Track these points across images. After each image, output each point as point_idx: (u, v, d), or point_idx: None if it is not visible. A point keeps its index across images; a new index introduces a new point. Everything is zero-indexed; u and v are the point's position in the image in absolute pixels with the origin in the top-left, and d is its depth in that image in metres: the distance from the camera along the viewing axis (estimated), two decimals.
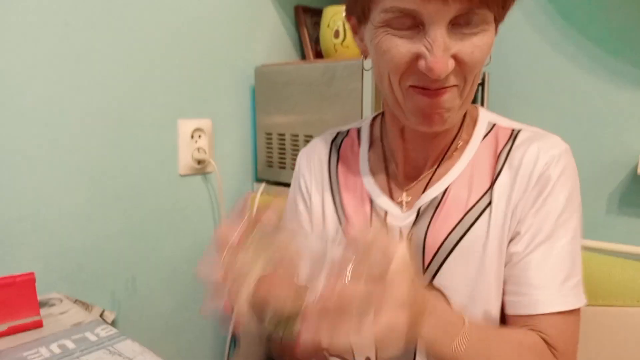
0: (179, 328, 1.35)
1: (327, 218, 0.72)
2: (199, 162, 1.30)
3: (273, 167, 1.36)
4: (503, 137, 0.66)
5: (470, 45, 0.54)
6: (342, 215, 0.71)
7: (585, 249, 0.65)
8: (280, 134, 1.32)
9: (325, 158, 0.77)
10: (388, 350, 0.43)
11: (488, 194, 0.63)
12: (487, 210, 0.62)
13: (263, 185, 1.38)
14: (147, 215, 1.23)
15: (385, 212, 0.67)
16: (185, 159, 1.28)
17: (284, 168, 1.33)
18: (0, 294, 0.82)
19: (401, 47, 0.55)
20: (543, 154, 0.62)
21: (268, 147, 1.37)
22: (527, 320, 0.59)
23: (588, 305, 0.61)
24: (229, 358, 1.50)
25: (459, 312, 0.55)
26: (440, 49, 0.53)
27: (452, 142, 0.67)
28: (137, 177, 1.20)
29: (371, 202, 0.69)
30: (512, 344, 0.57)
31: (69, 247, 1.10)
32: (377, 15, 0.56)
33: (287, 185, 1.33)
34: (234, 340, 1.51)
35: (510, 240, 0.62)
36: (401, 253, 0.44)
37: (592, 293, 0.66)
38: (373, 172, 0.71)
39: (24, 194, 1.02)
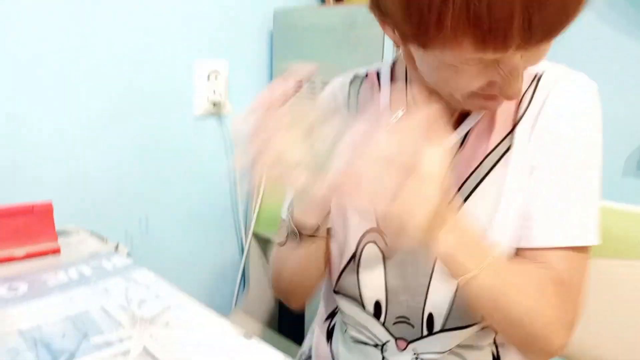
0: (191, 269, 1.38)
1: None
2: (214, 104, 1.29)
3: None
4: (527, 79, 0.64)
5: (537, 54, 0.52)
6: None
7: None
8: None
9: (344, 102, 0.76)
10: (400, 235, 0.43)
11: (508, 138, 0.62)
12: (507, 155, 0.62)
13: None
14: (161, 154, 1.23)
15: None
16: (200, 101, 1.27)
17: None
18: (19, 221, 0.84)
19: (473, 76, 0.52)
20: (568, 93, 0.61)
21: None
22: (532, 254, 0.59)
23: (603, 257, 0.61)
24: (238, 299, 1.54)
25: (486, 239, 0.55)
26: (517, 79, 0.51)
27: None
28: (152, 116, 1.20)
29: None
30: (532, 278, 0.56)
31: (85, 182, 1.11)
32: (444, 54, 0.50)
33: None
34: (244, 282, 1.55)
35: (528, 179, 0.61)
36: (438, 152, 0.44)
37: (608, 247, 0.66)
38: None
39: (42, 126, 1.02)
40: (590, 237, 0.59)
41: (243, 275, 1.50)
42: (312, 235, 0.67)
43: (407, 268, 0.66)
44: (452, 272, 0.53)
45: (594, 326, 0.77)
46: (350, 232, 0.70)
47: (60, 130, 1.05)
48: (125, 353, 0.57)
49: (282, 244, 0.71)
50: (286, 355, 0.58)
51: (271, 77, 1.40)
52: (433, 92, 0.61)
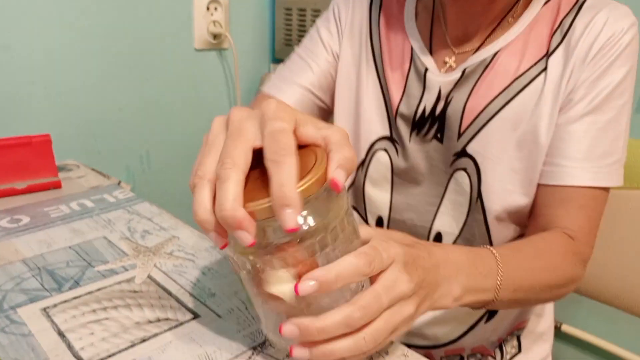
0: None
1: (363, 73, 0.68)
2: (215, 36, 1.24)
3: (292, 47, 1.30)
4: (567, 4, 0.60)
5: None
6: (380, 69, 0.67)
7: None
8: (300, 9, 1.25)
9: (367, 5, 0.71)
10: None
11: (542, 62, 0.59)
12: (539, 79, 0.59)
13: (280, 65, 1.32)
14: (160, 88, 1.20)
15: (426, 69, 0.64)
16: (200, 32, 1.22)
17: None
18: (17, 153, 0.82)
19: None
20: (609, 24, 0.57)
21: (287, 24, 1.30)
22: (554, 191, 0.58)
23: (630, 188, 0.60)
24: None
25: (482, 256, 0.50)
26: None
27: (509, 10, 0.61)
28: (151, 47, 1.15)
29: (412, 59, 0.65)
30: (544, 258, 0.56)
31: (83, 117, 1.08)
32: None
33: None
34: None
35: (559, 111, 0.59)
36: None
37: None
38: (419, 28, 0.67)
39: (35, 58, 0.99)
40: (616, 179, 0.58)
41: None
42: None
43: (416, 187, 0.65)
44: (472, 308, 0.50)
45: (617, 257, 0.77)
46: (362, 138, 0.68)
47: (54, 62, 1.01)
48: (130, 280, 0.57)
49: None
50: None
51: (273, 6, 1.34)
52: None
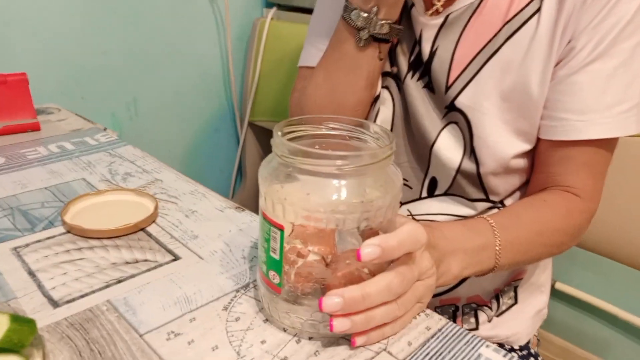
0: (183, 156, 1.33)
1: None
2: None
3: None
4: None
5: None
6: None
7: None
8: None
9: None
10: None
11: (536, 2, 0.53)
12: (533, 20, 0.53)
13: (274, 10, 1.26)
14: (147, 33, 1.13)
15: (412, 4, 0.59)
16: None
17: None
18: None
19: None
20: None
21: None
22: (556, 147, 0.54)
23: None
24: (235, 192, 1.52)
25: (477, 226, 0.51)
26: None
27: None
28: None
29: None
30: (544, 221, 0.55)
31: (64, 60, 1.02)
32: None
33: (304, 10, 1.22)
34: (241, 171, 1.52)
35: (559, 62, 0.53)
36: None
37: None
38: None
39: None
40: (634, 127, 0.53)
41: (240, 167, 1.46)
42: (383, 40, 0.58)
43: (412, 129, 0.61)
44: (477, 275, 0.52)
45: (617, 208, 0.75)
46: None
47: (33, 2, 0.95)
48: None
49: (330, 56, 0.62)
50: None
51: None
52: None
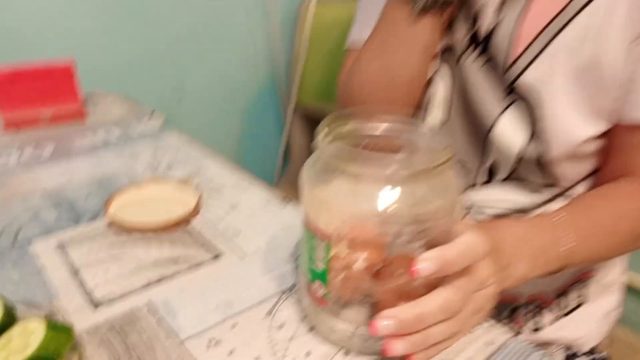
0: (228, 141, 1.32)
1: None
2: None
3: None
4: None
5: None
6: None
7: None
8: None
9: None
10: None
11: None
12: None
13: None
14: (193, 17, 1.12)
15: None
16: None
17: None
18: (39, 81, 0.78)
19: None
20: None
21: None
22: (634, 132, 0.48)
23: None
24: (283, 173, 1.51)
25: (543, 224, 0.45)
26: None
27: None
28: None
29: None
30: (621, 214, 0.49)
31: (112, 45, 1.02)
32: None
33: None
34: (287, 155, 1.50)
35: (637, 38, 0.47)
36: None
37: None
38: None
39: None
40: None
41: (286, 151, 1.44)
42: (441, 4, 0.53)
43: (470, 109, 0.56)
44: (546, 276, 0.46)
45: None
46: None
47: None
48: None
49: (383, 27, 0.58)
50: None
51: None
52: None
